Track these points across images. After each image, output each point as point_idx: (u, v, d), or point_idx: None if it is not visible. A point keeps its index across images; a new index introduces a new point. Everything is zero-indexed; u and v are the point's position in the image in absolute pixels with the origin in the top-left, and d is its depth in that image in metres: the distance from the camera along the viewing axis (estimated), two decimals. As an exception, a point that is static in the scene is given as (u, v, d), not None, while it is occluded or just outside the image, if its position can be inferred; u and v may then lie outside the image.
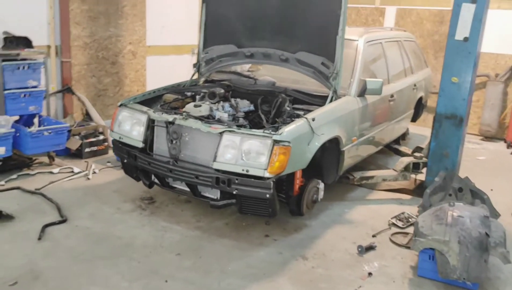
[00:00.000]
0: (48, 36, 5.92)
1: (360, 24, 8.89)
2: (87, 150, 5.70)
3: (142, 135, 4.19)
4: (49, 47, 5.93)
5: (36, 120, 5.43)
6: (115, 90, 6.82)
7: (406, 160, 5.24)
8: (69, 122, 5.92)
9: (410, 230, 4.24)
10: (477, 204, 4.03)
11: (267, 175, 3.61)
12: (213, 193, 4.00)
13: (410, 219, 4.49)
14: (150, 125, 4.20)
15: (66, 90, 6.14)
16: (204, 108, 4.21)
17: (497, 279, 3.65)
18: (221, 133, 3.78)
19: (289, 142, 3.66)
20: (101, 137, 5.88)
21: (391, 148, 6.25)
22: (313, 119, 3.94)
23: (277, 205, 3.83)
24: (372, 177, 5.12)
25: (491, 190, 5.41)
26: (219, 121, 4.07)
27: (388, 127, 5.59)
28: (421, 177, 5.27)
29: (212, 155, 3.79)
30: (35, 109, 5.27)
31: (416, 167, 5.22)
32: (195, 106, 4.24)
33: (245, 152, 3.69)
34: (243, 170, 3.66)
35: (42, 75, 5.33)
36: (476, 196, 4.14)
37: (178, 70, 7.35)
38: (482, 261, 3.34)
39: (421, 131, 7.65)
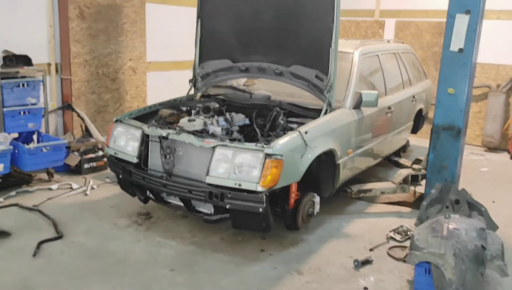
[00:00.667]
0: (48, 54, 6.00)
1: (359, 36, 8.91)
2: (86, 166, 5.73)
3: (136, 150, 4.21)
4: (49, 65, 6.00)
5: (35, 137, 5.47)
6: (116, 106, 6.86)
7: (404, 172, 5.20)
8: (68, 138, 5.96)
9: (409, 243, 4.18)
10: (474, 216, 3.98)
11: (259, 189, 3.60)
12: (207, 208, 4.00)
13: (408, 233, 4.44)
14: (145, 140, 4.21)
15: (66, 107, 6.20)
16: (198, 123, 4.22)
17: (496, 292, 3.59)
18: (213, 147, 3.78)
19: (281, 155, 3.65)
20: (100, 153, 5.90)
21: (391, 160, 6.22)
22: (306, 132, 3.93)
23: (270, 219, 3.80)
24: (370, 190, 5.08)
25: (493, 202, 5.35)
26: (213, 136, 4.07)
27: (386, 139, 5.57)
28: (421, 189, 5.22)
29: (205, 170, 3.79)
30: (34, 126, 5.31)
31: (415, 179, 5.17)
32: (189, 120, 4.26)
33: (237, 166, 3.68)
34: (235, 184, 3.65)
35: (41, 93, 5.38)
36: (474, 208, 4.08)
37: (179, 85, 7.33)
38: (479, 274, 3.28)
39: (423, 143, 7.58)
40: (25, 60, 5.35)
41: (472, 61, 4.53)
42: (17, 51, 5.40)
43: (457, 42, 4.51)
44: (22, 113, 5.20)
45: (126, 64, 6.86)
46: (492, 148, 7.79)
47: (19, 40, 5.60)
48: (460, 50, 4.53)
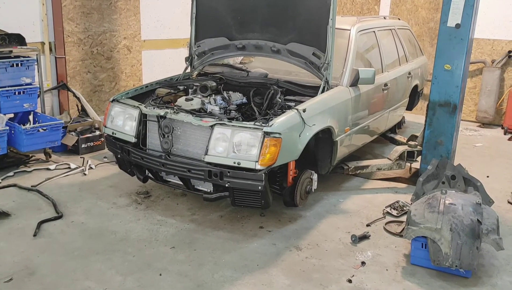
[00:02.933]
0: (41, 33, 5.93)
1: (355, 13, 8.86)
2: (83, 146, 5.72)
3: (134, 130, 4.21)
4: (43, 44, 5.94)
5: (31, 117, 5.45)
6: (111, 85, 6.83)
7: (400, 149, 5.24)
8: (65, 118, 5.94)
9: (405, 218, 4.24)
10: (470, 191, 4.04)
11: (258, 167, 3.63)
12: (206, 186, 4.03)
13: (404, 208, 4.50)
14: (142, 119, 4.21)
15: (61, 86, 6.16)
16: (196, 102, 4.22)
17: (491, 265, 3.66)
18: (212, 126, 3.79)
19: (279, 133, 3.66)
20: (97, 132, 5.89)
21: (387, 137, 6.25)
22: (304, 110, 3.94)
23: (269, 197, 3.84)
24: (366, 166, 5.12)
25: (488, 177, 5.43)
26: (211, 114, 4.07)
27: (383, 116, 5.59)
28: (417, 165, 5.27)
29: (204, 149, 3.81)
30: (30, 106, 5.28)
31: (410, 156, 5.22)
32: (187, 99, 4.25)
33: (236, 145, 3.70)
34: (234, 162, 3.68)
35: (36, 72, 5.34)
36: (469, 183, 4.14)
37: (175, 64, 7.36)
38: (474, 248, 3.35)
39: (418, 119, 7.64)
40: (19, 39, 5.28)
41: (469, 36, 4.53)
42: (10, 30, 5.33)
43: (455, 18, 4.51)
44: (17, 93, 5.16)
45: (120, 43, 6.79)
46: (486, 124, 7.84)
47: (11, 18, 5.52)
48: (457, 26, 4.53)
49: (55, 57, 6.10)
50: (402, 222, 4.23)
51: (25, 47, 5.26)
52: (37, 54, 5.33)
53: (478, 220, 3.44)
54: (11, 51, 5.14)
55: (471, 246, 3.34)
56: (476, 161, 6.03)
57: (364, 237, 3.97)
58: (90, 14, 6.34)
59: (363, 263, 3.62)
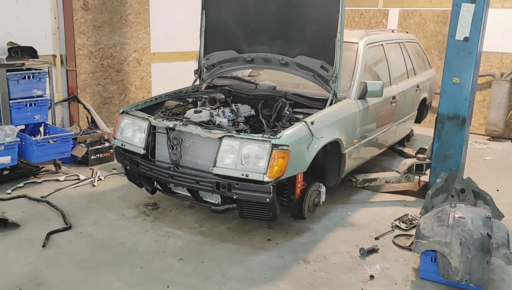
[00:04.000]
0: (53, 46, 6.02)
1: (363, 26, 8.89)
2: (92, 157, 5.76)
3: (143, 142, 4.23)
4: (54, 56, 6.03)
5: (41, 129, 5.51)
6: (121, 97, 6.89)
7: (409, 161, 5.22)
8: (75, 130, 6.00)
9: (414, 232, 4.21)
10: (480, 205, 4.00)
11: (266, 179, 3.63)
12: (214, 198, 4.04)
13: (413, 221, 4.47)
14: (152, 131, 4.24)
15: (72, 98, 6.23)
16: (205, 114, 4.24)
17: (502, 281, 3.62)
18: (220, 138, 3.81)
19: (287, 146, 3.67)
20: (107, 144, 5.94)
21: (395, 150, 6.24)
22: (312, 123, 3.95)
23: (277, 209, 3.84)
24: (375, 179, 5.10)
25: (497, 190, 5.38)
26: (219, 127, 4.09)
27: (391, 129, 5.58)
28: (426, 178, 5.25)
29: (212, 160, 3.82)
30: (41, 118, 5.34)
31: (419, 169, 5.19)
32: (196, 112, 4.28)
33: (244, 157, 3.71)
34: (242, 174, 3.68)
35: (47, 84, 5.41)
36: (479, 196, 4.11)
37: (184, 76, 7.40)
38: (484, 262, 3.31)
39: (426, 132, 7.61)
40: (31, 52, 5.36)
41: (477, 50, 4.54)
42: (22, 43, 5.41)
43: (463, 31, 4.51)
44: (28, 105, 5.23)
45: (130, 56, 6.87)
46: (495, 137, 7.80)
47: (23, 32, 5.62)
48: (466, 39, 4.53)
49: (66, 70, 6.19)
50: (411, 235, 4.20)
51: (37, 59, 5.34)
52: (48, 67, 5.40)
53: (488, 234, 3.40)
54: (23, 64, 5.22)
55: (481, 260, 3.30)
56: (485, 175, 5.98)
57: (373, 250, 3.94)
58: (101, 28, 6.43)
59: (371, 276, 3.59)
